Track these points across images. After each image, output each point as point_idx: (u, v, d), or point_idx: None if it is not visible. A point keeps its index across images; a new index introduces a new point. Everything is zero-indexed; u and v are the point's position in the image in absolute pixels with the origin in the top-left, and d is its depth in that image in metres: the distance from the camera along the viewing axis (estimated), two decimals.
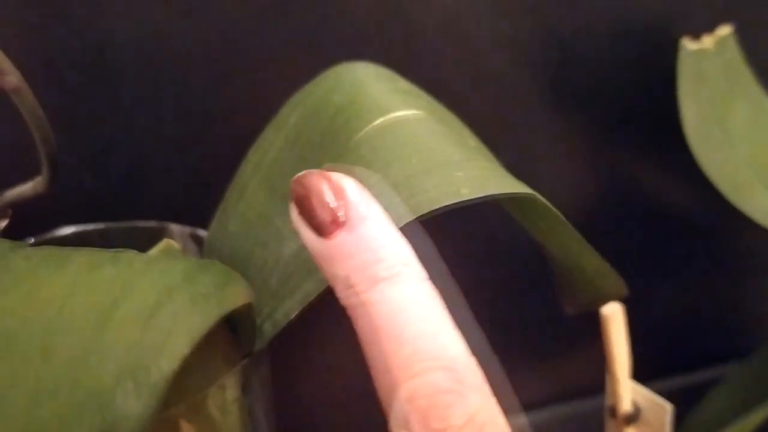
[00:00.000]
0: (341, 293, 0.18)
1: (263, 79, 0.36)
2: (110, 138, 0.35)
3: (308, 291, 0.21)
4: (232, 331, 0.22)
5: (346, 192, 0.18)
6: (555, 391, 0.49)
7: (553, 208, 0.21)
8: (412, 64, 0.39)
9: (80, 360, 0.12)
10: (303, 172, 0.19)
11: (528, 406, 0.49)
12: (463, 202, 0.20)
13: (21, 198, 0.26)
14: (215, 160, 0.33)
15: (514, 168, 0.42)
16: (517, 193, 0.21)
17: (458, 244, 0.43)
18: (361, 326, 0.17)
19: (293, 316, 0.22)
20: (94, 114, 0.35)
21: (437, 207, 0.20)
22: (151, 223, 0.30)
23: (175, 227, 0.30)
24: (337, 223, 0.18)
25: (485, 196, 0.20)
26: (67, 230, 0.29)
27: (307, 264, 0.22)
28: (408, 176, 0.21)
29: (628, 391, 0.32)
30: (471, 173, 0.21)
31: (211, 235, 0.30)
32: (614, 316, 0.31)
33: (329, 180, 0.19)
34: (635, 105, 0.43)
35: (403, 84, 0.26)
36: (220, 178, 0.29)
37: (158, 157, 0.36)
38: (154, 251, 0.19)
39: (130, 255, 0.15)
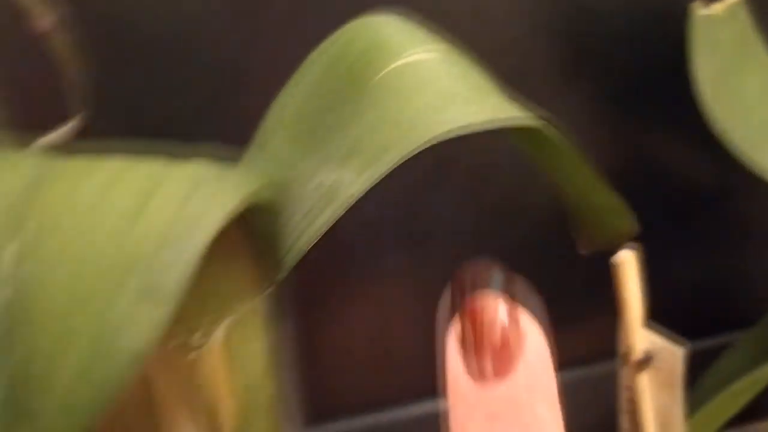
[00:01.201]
0: None
1: (283, 41, 0.37)
2: (141, 101, 0.37)
3: (325, 220, 0.22)
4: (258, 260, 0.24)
5: None
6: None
7: (563, 139, 0.22)
8: None
9: (123, 232, 0.13)
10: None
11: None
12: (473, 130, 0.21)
13: (54, 145, 0.27)
14: (241, 119, 0.35)
15: None
16: (527, 124, 0.22)
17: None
18: None
19: (312, 243, 0.23)
20: (127, 78, 0.36)
21: (449, 135, 0.21)
22: None
23: None
24: None
25: (494, 126, 0.21)
26: None
27: (325, 196, 0.23)
28: (425, 109, 0.22)
29: (640, 338, 0.32)
30: (486, 108, 0.22)
31: None
32: (627, 261, 0.31)
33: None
34: (653, 73, 0.44)
35: (424, 32, 0.27)
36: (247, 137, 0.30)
37: (187, 117, 0.37)
38: None
39: (161, 159, 0.16)
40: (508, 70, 0.41)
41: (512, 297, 0.16)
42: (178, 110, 0.37)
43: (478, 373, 0.15)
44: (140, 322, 0.12)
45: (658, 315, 0.49)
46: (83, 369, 0.12)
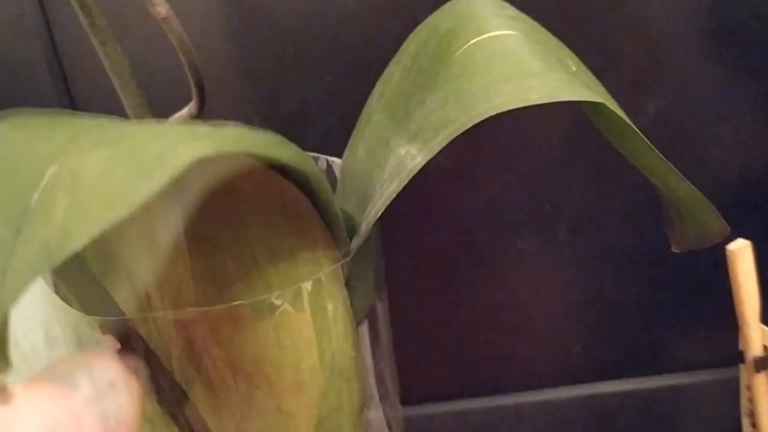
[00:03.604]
0: None
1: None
2: (275, 88, 0.40)
3: (392, 191, 0.23)
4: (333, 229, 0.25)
5: None
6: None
7: (625, 118, 0.22)
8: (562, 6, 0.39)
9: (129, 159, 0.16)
10: None
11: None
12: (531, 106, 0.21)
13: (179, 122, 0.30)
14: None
15: (665, 116, 0.41)
16: (585, 99, 0.21)
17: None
18: None
19: (380, 213, 0.24)
20: (262, 67, 0.39)
21: (505, 109, 0.21)
22: None
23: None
24: None
25: (549, 101, 0.21)
26: None
27: (395, 170, 0.24)
28: (487, 85, 0.22)
29: (758, 335, 0.30)
30: (546, 82, 0.22)
31: (344, 161, 0.33)
32: (741, 252, 0.29)
33: None
34: None
35: (512, 11, 0.27)
36: None
37: (316, 103, 0.40)
38: None
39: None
40: (643, 43, 0.40)
41: None
42: (306, 97, 0.40)
43: None
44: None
45: None
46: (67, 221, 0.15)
